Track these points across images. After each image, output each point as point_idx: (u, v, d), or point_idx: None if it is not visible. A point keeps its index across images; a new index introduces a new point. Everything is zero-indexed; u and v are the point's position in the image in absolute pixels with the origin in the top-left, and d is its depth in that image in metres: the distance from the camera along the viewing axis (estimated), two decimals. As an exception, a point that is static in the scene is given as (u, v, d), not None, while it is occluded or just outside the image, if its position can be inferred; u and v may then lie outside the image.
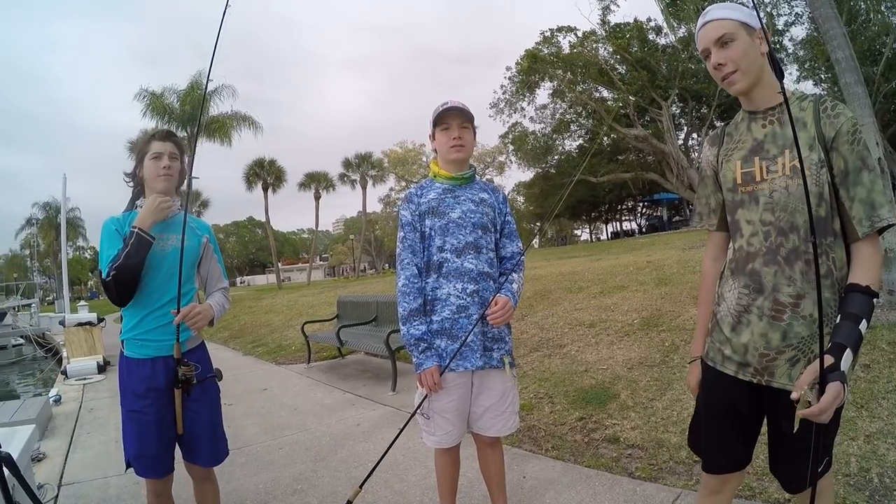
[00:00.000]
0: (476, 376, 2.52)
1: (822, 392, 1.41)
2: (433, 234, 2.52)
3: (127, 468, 2.55)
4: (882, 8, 25.75)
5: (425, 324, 2.46)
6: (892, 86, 25.84)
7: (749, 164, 1.77)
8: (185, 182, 2.73)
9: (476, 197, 2.62)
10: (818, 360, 1.43)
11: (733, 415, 1.83)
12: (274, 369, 8.86)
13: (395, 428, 4.81)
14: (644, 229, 52.07)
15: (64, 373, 9.54)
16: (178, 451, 2.59)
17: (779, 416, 1.72)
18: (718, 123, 35.86)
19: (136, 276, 2.39)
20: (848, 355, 1.47)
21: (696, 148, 36.19)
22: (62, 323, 10.83)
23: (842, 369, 1.44)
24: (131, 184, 2.68)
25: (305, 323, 9.30)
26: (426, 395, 2.44)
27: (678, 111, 36.35)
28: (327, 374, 7.70)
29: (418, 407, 2.49)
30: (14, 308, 28.34)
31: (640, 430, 4.01)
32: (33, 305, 27.74)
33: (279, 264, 46.69)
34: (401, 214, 2.61)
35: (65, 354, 10.32)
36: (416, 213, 2.56)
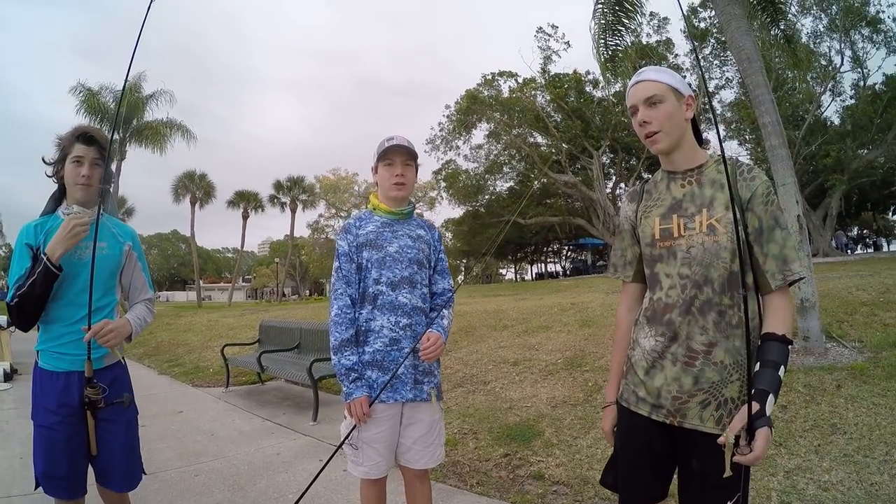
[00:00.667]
0: (406, 408, 2.53)
1: (750, 436, 1.52)
2: (370, 266, 2.53)
3: (36, 486, 2.40)
4: (808, 77, 27.77)
5: (356, 354, 2.46)
6: (812, 149, 27.93)
7: (667, 221, 1.87)
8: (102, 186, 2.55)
9: (413, 233, 2.66)
10: (745, 406, 1.54)
11: (648, 453, 1.89)
12: (190, 391, 8.53)
13: (317, 459, 4.73)
14: (568, 272, 53.20)
15: None
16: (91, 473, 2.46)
17: (689, 455, 1.80)
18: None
19: (39, 307, 2.29)
20: (771, 400, 1.59)
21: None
22: None
23: (767, 414, 1.56)
24: (53, 179, 2.53)
25: (226, 345, 9.02)
26: (354, 426, 2.42)
27: (608, 161, 37.68)
28: (245, 400, 7.47)
29: (346, 437, 2.45)
30: None
31: (564, 468, 4.07)
32: None
33: (200, 282, 45.24)
34: (338, 244, 2.62)
35: (-32, 358, 9.62)
36: (354, 244, 2.57)
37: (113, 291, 2.56)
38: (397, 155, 2.60)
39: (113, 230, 2.59)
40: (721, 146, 1.87)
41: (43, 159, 2.54)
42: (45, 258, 2.24)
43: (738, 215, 1.72)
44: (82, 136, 2.46)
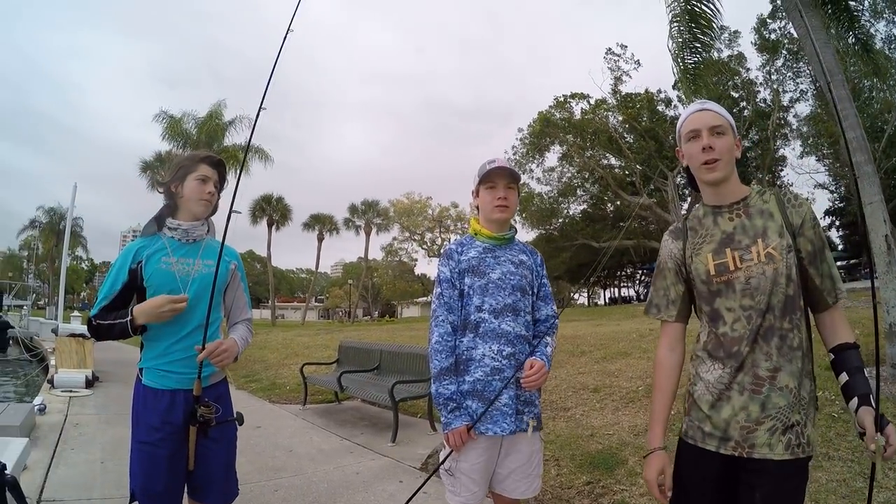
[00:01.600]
0: (506, 439, 2.46)
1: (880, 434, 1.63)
2: (472, 293, 2.48)
3: (132, 500, 2.42)
4: (885, 86, 26.41)
5: (455, 383, 2.41)
6: (894, 162, 26.52)
7: (721, 256, 1.87)
8: (222, 211, 2.60)
9: (516, 258, 2.59)
10: (868, 412, 1.67)
11: (716, 491, 1.86)
12: (267, 407, 8.69)
13: (396, 480, 4.71)
14: (642, 297, 52.08)
15: (50, 381, 9.31)
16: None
17: (754, 486, 1.77)
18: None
19: (110, 339, 2.37)
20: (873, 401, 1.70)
21: (700, 219, 36.52)
22: (55, 331, 10.62)
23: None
24: (161, 193, 2.57)
25: (305, 364, 9.18)
26: (451, 452, 2.38)
27: (683, 182, 36.78)
28: (323, 418, 7.55)
29: (441, 463, 2.42)
30: (6, 307, 27.96)
31: (649, 497, 3.91)
32: (25, 308, 27.40)
33: (275, 301, 46.46)
34: (439, 270, 2.58)
35: (53, 363, 10.10)
36: (456, 270, 2.53)
37: (219, 308, 2.60)
38: (500, 178, 2.58)
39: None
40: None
41: (157, 182, 2.67)
42: (130, 317, 2.29)
43: (788, 241, 1.81)
44: (209, 158, 2.59)
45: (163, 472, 2.32)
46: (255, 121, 2.63)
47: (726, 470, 1.82)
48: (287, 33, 2.48)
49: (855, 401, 1.72)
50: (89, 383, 9.42)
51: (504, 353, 2.42)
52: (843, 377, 1.77)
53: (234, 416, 2.50)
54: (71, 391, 8.91)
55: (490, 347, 2.42)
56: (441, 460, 2.43)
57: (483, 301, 2.46)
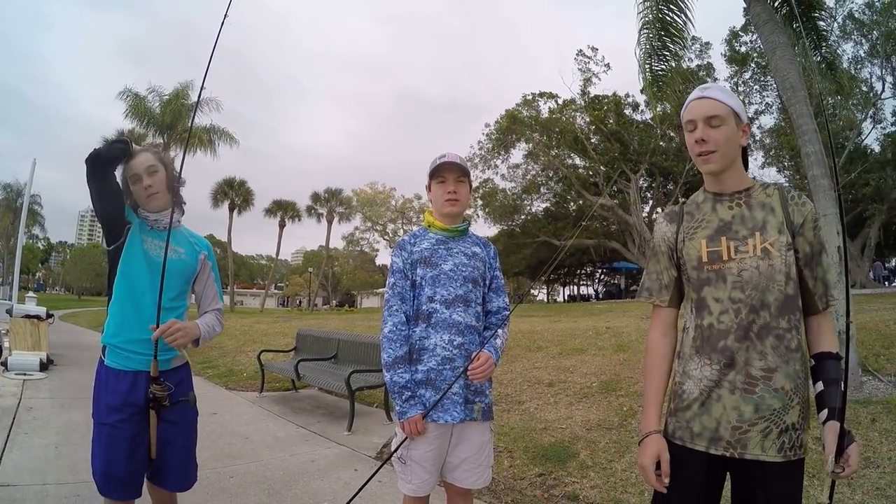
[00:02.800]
0: (456, 428, 2.50)
1: (839, 453, 1.59)
2: (424, 283, 2.52)
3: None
4: (849, 104, 27.29)
5: (409, 372, 2.45)
6: (851, 177, 27.35)
7: (715, 243, 1.83)
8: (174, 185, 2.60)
9: (469, 250, 2.65)
10: (833, 428, 1.63)
11: (704, 491, 1.83)
12: (224, 394, 8.64)
13: (352, 468, 4.76)
14: (601, 295, 52.83)
15: (3, 364, 9.08)
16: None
17: (749, 486, 1.76)
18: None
19: (103, 163, 2.34)
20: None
21: (660, 222, 37.07)
22: (9, 311, 10.31)
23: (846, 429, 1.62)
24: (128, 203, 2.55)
25: (262, 351, 9.14)
26: (404, 440, 2.42)
27: (646, 185, 37.45)
28: (280, 406, 7.54)
29: (395, 451, 2.46)
30: None
31: (599, 490, 4.04)
32: None
33: (234, 287, 45.84)
34: (392, 261, 2.62)
35: (6, 345, 9.83)
36: (409, 261, 2.57)
37: (185, 296, 2.61)
38: (449, 172, 2.62)
39: (190, 239, 2.67)
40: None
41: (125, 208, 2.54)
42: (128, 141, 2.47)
43: (788, 239, 1.76)
44: (134, 154, 2.51)
45: (124, 454, 2.31)
46: (196, 103, 2.63)
47: (713, 469, 1.80)
48: (224, 19, 2.44)
49: (825, 413, 1.69)
50: (44, 366, 9.23)
51: (455, 343, 2.47)
52: (819, 386, 1.73)
53: (187, 396, 2.48)
54: (25, 374, 8.70)
55: (442, 337, 2.47)
56: (394, 448, 2.48)
57: (435, 291, 2.51)
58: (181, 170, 2.54)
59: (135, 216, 2.50)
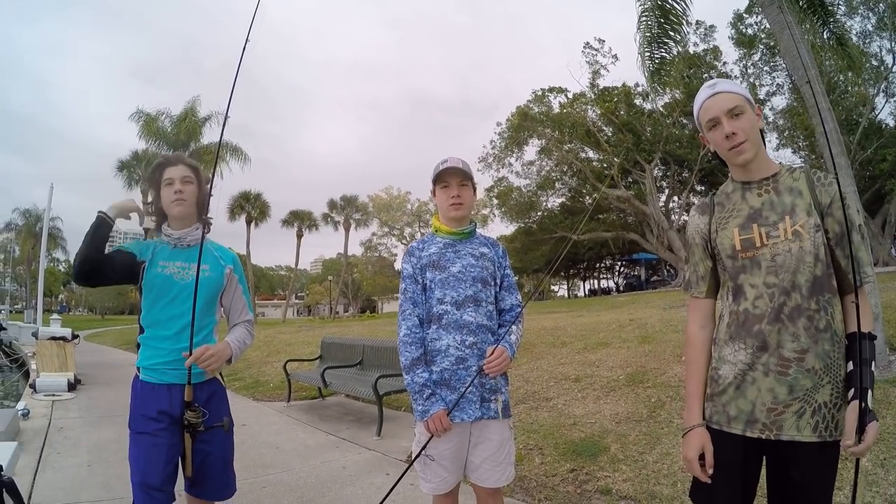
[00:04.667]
0: (474, 427, 2.53)
1: (860, 432, 1.61)
2: (433, 286, 2.57)
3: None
4: (860, 80, 26.94)
5: (427, 371, 2.48)
6: (867, 153, 27.09)
7: (747, 231, 1.86)
8: (206, 207, 2.65)
9: (476, 251, 2.69)
10: (855, 408, 1.64)
11: (742, 474, 1.85)
12: (252, 405, 8.72)
13: (383, 473, 4.77)
14: (622, 288, 52.50)
15: (32, 386, 9.20)
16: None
17: (785, 467, 1.79)
18: (699, 188, 36.91)
19: (93, 265, 2.36)
20: (870, 395, 1.66)
21: (677, 210, 36.92)
22: (35, 334, 10.47)
23: (871, 409, 1.63)
24: (153, 217, 2.64)
25: (288, 361, 9.21)
26: (431, 437, 2.42)
27: (660, 174, 37.21)
28: (308, 415, 7.59)
29: (423, 449, 2.46)
30: None
31: (632, 483, 4.03)
32: (2, 312, 26.85)
33: (255, 299, 46.15)
34: (402, 267, 2.67)
35: (34, 367, 9.98)
36: (418, 266, 2.62)
37: (213, 312, 2.63)
38: (452, 177, 2.66)
39: (215, 253, 2.68)
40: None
41: (147, 205, 2.67)
42: (99, 213, 2.41)
43: (816, 220, 1.79)
44: (168, 159, 2.63)
45: (161, 461, 2.33)
46: (221, 133, 2.67)
47: (749, 452, 1.83)
48: (245, 44, 2.47)
49: (851, 392, 1.71)
50: (72, 386, 9.35)
51: (467, 343, 2.50)
52: (849, 366, 1.75)
53: (222, 422, 2.50)
54: (54, 395, 8.83)
55: (454, 338, 2.50)
56: (419, 449, 2.48)
57: (444, 293, 2.54)
58: (210, 188, 2.60)
59: (149, 247, 2.53)
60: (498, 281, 2.72)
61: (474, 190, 2.78)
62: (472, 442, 2.54)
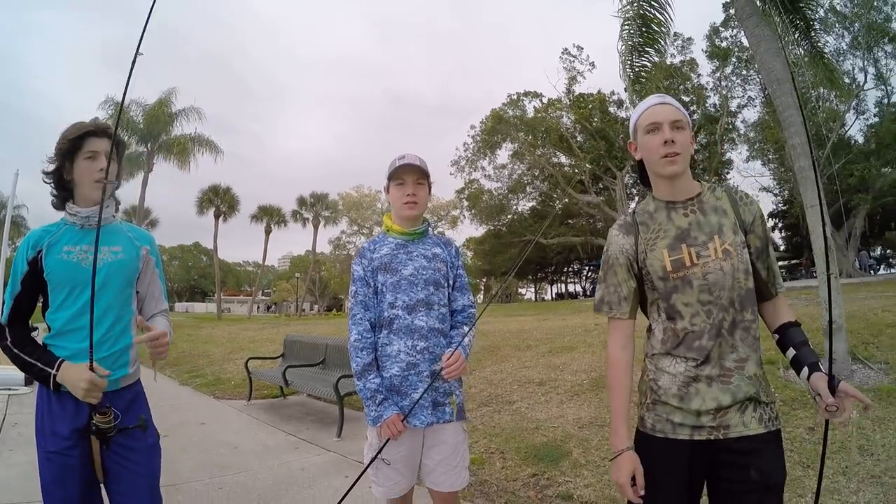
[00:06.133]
0: (428, 431, 2.50)
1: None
2: (385, 290, 2.51)
3: None
4: (832, 96, 27.78)
5: (379, 377, 2.44)
6: (836, 168, 27.93)
7: (676, 252, 1.87)
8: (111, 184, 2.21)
9: (429, 252, 2.63)
10: (821, 377, 1.75)
11: (687, 479, 1.86)
12: (212, 403, 8.56)
13: (342, 475, 4.69)
14: (589, 292, 53.01)
15: None
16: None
17: (741, 466, 1.79)
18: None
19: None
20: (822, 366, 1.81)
21: (647, 218, 37.42)
22: None
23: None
24: (51, 185, 2.22)
25: (249, 359, 9.05)
26: (388, 440, 2.37)
27: (631, 182, 37.57)
28: (268, 414, 7.47)
29: (378, 453, 2.41)
30: None
31: (593, 488, 4.01)
32: None
33: (221, 294, 45.58)
34: (353, 269, 2.60)
35: (-12, 361, 9.62)
36: (369, 268, 2.55)
37: (130, 301, 2.28)
38: (408, 174, 2.58)
39: (129, 234, 2.33)
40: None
41: (43, 173, 2.24)
42: (53, 373, 2.00)
43: (741, 237, 1.88)
44: (93, 127, 2.20)
45: (77, 487, 2.06)
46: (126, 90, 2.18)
47: (697, 456, 1.83)
48: (136, 55, 2.04)
49: (806, 370, 1.80)
50: (28, 381, 9.04)
51: (418, 348, 2.45)
52: (791, 352, 1.86)
53: (140, 422, 2.13)
54: (10, 389, 8.53)
55: (405, 343, 2.45)
56: (377, 452, 2.42)
57: (396, 297, 2.49)
58: (109, 162, 2.10)
59: (48, 232, 2.16)
60: (451, 282, 2.68)
61: (430, 189, 2.72)
62: (426, 445, 2.51)
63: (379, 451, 2.41)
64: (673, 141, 1.85)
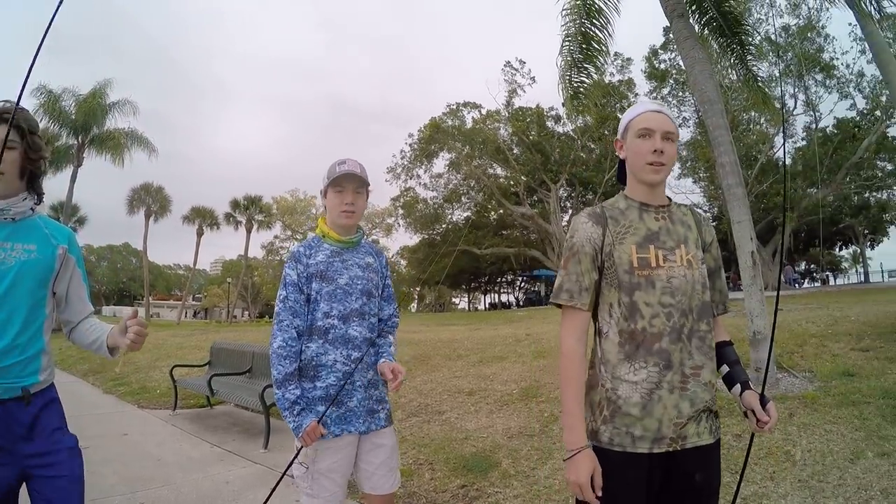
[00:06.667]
0: (364, 437, 2.51)
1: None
2: (319, 298, 2.49)
3: None
4: (762, 120, 29.22)
5: (300, 388, 2.41)
6: (763, 187, 29.82)
7: (644, 251, 1.88)
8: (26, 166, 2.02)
9: (363, 261, 2.65)
10: (752, 394, 1.90)
11: (646, 492, 1.84)
12: (136, 413, 8.27)
13: (267, 488, 4.58)
14: (521, 303, 53.66)
15: None
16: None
17: (688, 474, 1.84)
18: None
19: None
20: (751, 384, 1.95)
21: (579, 230, 38.28)
22: None
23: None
24: None
25: (175, 366, 8.77)
26: (300, 450, 2.38)
27: (566, 195, 38.38)
28: (194, 424, 7.27)
29: (292, 461, 2.40)
30: None
31: (522, 499, 4.07)
32: None
33: (150, 298, 44.06)
34: (286, 273, 2.54)
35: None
36: (304, 274, 2.51)
37: (43, 304, 2.08)
38: (348, 182, 2.58)
39: (45, 230, 2.12)
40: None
41: None
42: None
43: (701, 254, 1.98)
44: None
45: None
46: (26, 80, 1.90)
47: (653, 470, 1.83)
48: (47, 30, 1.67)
49: (738, 387, 1.94)
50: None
51: (353, 358, 2.47)
52: (725, 368, 1.99)
53: (23, 394, 1.93)
54: None
55: (341, 353, 2.46)
56: (291, 460, 2.41)
57: (331, 307, 2.48)
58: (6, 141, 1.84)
59: None
60: (380, 291, 2.71)
61: (367, 196, 2.73)
62: (363, 451, 2.52)
63: (294, 459, 2.40)
64: (662, 151, 1.89)
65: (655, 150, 1.89)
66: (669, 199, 2.02)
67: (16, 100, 1.85)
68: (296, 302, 2.48)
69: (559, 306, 1.96)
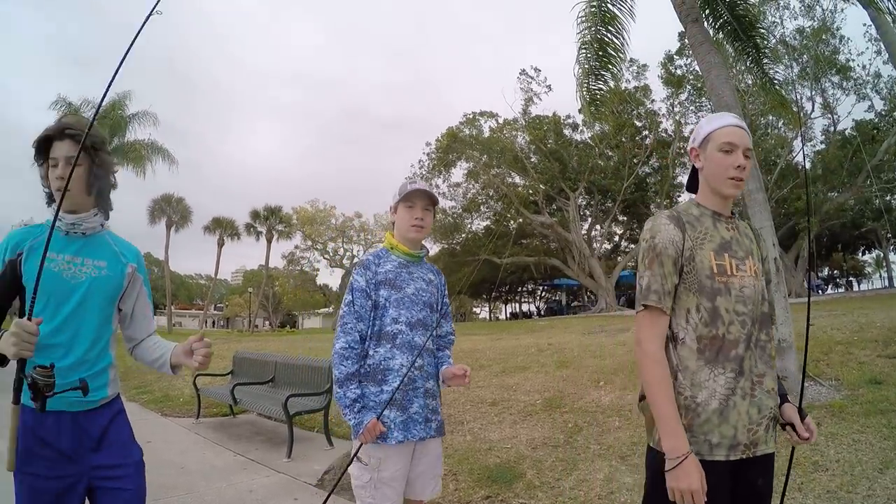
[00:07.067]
0: (418, 445, 2.58)
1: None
2: (388, 305, 2.57)
3: None
4: (780, 124, 28.92)
5: (360, 388, 2.48)
6: (784, 192, 29.47)
7: (721, 258, 1.92)
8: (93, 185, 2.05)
9: (426, 276, 2.76)
10: (792, 408, 1.97)
11: (728, 499, 1.83)
12: (160, 420, 8.33)
13: (291, 497, 4.60)
14: (542, 312, 53.43)
15: None
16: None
17: (753, 480, 1.88)
18: (622, 217, 38.31)
19: None
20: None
21: (599, 238, 38.03)
22: None
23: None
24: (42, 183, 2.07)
25: (198, 375, 8.81)
26: (360, 445, 2.42)
27: (584, 203, 38.18)
28: (217, 433, 7.29)
29: (354, 455, 2.44)
30: None
31: (545, 511, 4.01)
32: None
33: (172, 307, 44.49)
34: (354, 279, 2.62)
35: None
36: (373, 281, 2.60)
37: (111, 320, 2.12)
38: (419, 199, 2.70)
39: (114, 247, 2.16)
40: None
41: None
42: None
43: (769, 265, 2.02)
44: (53, 132, 2.01)
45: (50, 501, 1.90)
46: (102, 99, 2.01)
47: (732, 475, 1.83)
48: (151, 13, 1.77)
49: (778, 400, 1.95)
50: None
51: (417, 365, 2.55)
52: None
53: (80, 384, 1.80)
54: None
55: (407, 358, 2.54)
56: (357, 479, 2.47)
57: (399, 313, 2.58)
58: (74, 164, 1.83)
59: (31, 233, 2.00)
60: (439, 308, 2.81)
61: (434, 215, 2.85)
62: (414, 458, 2.58)
63: (354, 454, 2.45)
64: (743, 168, 1.93)
65: (738, 166, 1.93)
66: (732, 213, 2.06)
67: (92, 116, 1.90)
68: (361, 307, 2.57)
69: (643, 308, 1.92)
